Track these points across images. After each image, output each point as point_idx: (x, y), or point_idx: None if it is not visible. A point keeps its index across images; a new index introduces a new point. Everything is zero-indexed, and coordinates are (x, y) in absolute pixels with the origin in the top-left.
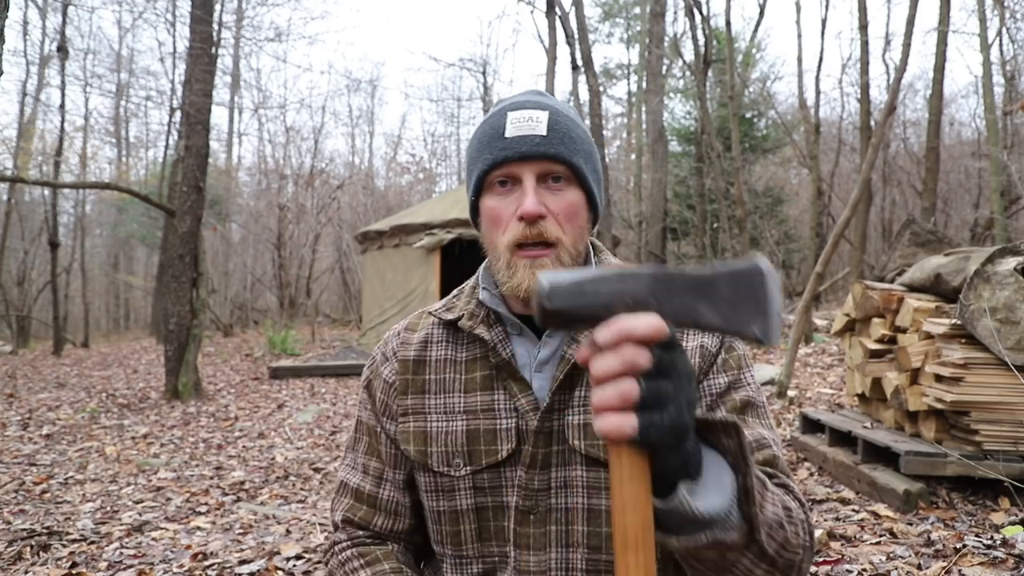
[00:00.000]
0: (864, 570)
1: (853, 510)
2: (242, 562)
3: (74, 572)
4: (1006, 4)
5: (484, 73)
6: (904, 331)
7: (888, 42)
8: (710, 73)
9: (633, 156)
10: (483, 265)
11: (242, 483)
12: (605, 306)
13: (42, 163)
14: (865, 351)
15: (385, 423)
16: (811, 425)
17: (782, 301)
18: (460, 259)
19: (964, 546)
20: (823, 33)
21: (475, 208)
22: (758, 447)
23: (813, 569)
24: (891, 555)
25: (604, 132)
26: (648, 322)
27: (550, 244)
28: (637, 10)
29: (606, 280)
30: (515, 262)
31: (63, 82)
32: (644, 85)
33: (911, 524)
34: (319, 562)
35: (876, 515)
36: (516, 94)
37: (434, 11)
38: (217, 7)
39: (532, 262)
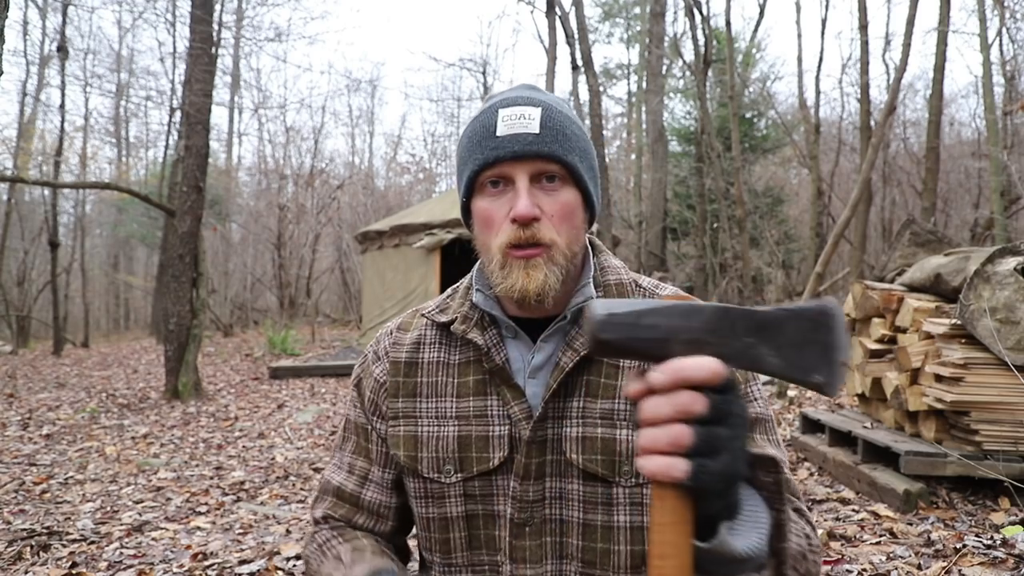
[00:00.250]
0: (864, 570)
1: (853, 510)
2: (242, 562)
3: (74, 572)
4: (1006, 4)
5: (484, 73)
6: (904, 331)
7: (888, 42)
8: (710, 73)
9: (633, 156)
10: (476, 266)
11: (242, 483)
12: (662, 342)
13: (42, 163)
14: (865, 351)
15: (375, 421)
16: (811, 425)
17: (849, 347)
18: (460, 259)
19: (964, 546)
20: (823, 33)
21: (466, 209)
22: None
23: None
24: (891, 555)
25: (604, 132)
26: (706, 367)
27: (544, 245)
28: (637, 10)
29: (666, 314)
30: (508, 263)
31: (63, 82)
32: (644, 85)
33: (911, 524)
34: None
35: (876, 515)
36: (508, 89)
37: (434, 11)
38: (217, 7)
39: (526, 262)
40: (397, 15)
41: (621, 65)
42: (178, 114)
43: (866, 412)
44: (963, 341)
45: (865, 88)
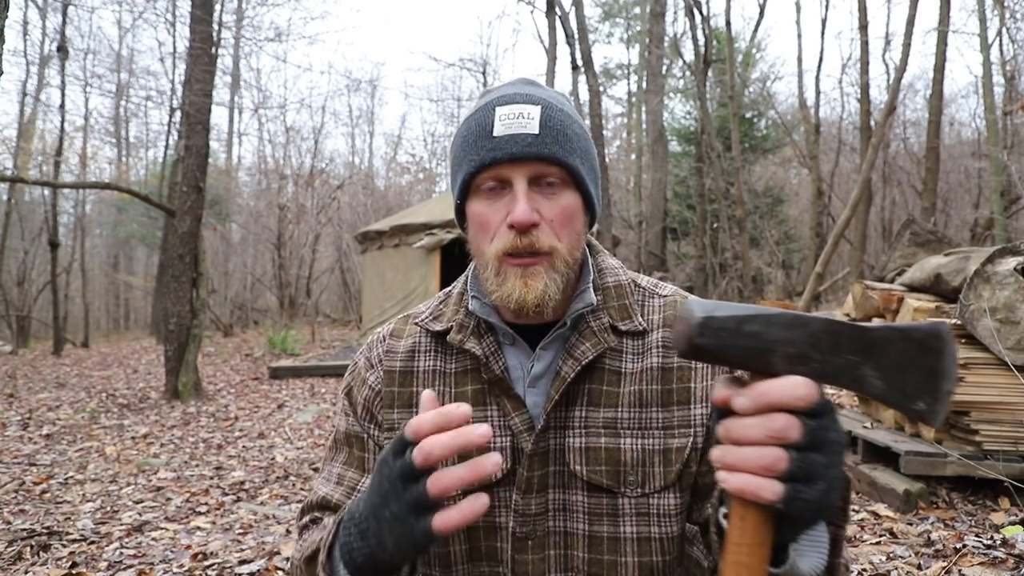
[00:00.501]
0: (864, 570)
1: (853, 510)
2: (242, 562)
3: (74, 572)
4: (1006, 4)
5: (484, 73)
6: None
7: (888, 42)
8: (710, 73)
9: (633, 156)
10: (470, 270)
11: (242, 483)
12: (762, 352)
13: (42, 163)
14: None
15: (371, 429)
16: None
17: (957, 375)
18: (460, 259)
19: (964, 546)
20: (823, 33)
21: (460, 211)
22: None
23: None
24: (891, 555)
25: (604, 132)
26: (801, 392)
27: (543, 253)
28: (637, 10)
29: (769, 323)
30: (504, 270)
31: (63, 82)
32: (644, 85)
33: (911, 524)
34: None
35: (876, 515)
36: (505, 84)
37: (434, 11)
38: (217, 7)
39: (523, 270)
40: (397, 15)
41: (621, 65)
42: (178, 114)
43: (866, 412)
44: (963, 341)
45: (865, 88)
